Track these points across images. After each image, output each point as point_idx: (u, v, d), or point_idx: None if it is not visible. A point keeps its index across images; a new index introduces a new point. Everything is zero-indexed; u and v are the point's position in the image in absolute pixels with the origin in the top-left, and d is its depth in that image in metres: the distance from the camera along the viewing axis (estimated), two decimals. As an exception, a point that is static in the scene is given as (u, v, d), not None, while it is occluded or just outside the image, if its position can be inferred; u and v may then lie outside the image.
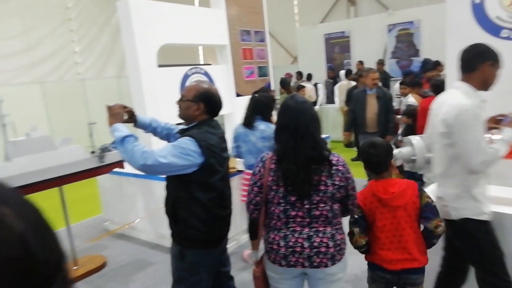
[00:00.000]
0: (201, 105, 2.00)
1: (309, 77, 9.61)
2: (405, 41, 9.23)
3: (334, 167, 1.72)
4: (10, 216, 0.43)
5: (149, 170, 1.83)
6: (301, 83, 8.47)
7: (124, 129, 1.88)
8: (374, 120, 4.77)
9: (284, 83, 6.81)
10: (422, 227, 1.99)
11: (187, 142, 1.87)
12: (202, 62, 14.10)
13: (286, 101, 1.81)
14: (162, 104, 4.04)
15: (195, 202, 1.96)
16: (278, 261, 1.75)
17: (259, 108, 3.27)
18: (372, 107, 4.78)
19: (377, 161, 1.98)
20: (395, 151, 2.28)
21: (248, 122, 3.27)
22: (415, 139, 2.34)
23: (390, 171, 2.03)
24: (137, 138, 1.87)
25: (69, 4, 10.32)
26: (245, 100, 3.55)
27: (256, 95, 3.38)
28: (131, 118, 2.14)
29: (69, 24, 10.27)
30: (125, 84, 10.09)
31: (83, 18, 10.55)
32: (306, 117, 1.73)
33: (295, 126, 1.72)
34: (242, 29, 5.11)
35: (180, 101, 2.04)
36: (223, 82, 4.85)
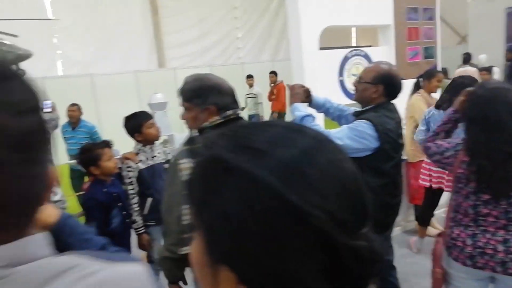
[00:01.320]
0: (380, 88, 1.94)
1: (466, 61, 8.25)
2: None
3: None
4: None
5: None
6: (465, 66, 7.41)
7: (303, 108, 1.98)
8: None
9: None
10: None
11: (363, 126, 1.85)
12: (354, 44, 13.70)
13: (474, 89, 1.62)
14: (321, 87, 4.11)
15: (366, 187, 1.95)
16: (462, 260, 1.61)
17: (459, 90, 3.13)
18: None
19: None
20: None
21: (443, 104, 3.12)
22: None
23: None
24: (315, 118, 1.95)
25: (236, -7, 11.30)
26: (408, 83, 3.36)
27: (457, 77, 3.28)
28: (307, 97, 2.23)
29: (234, 12, 11.26)
30: (279, 66, 10.62)
31: (247, 5, 11.41)
32: (499, 106, 1.51)
33: (484, 118, 1.52)
34: (409, 6, 4.74)
35: (358, 83, 2.03)
36: (384, 64, 4.62)
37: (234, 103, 1.58)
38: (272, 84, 8.71)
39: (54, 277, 0.45)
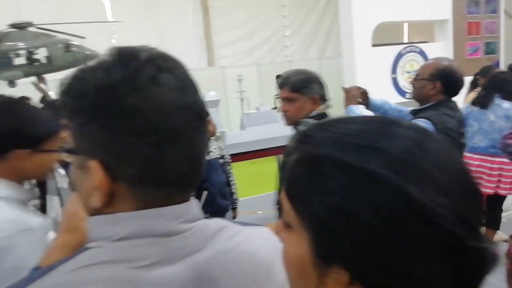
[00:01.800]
0: (438, 84, 1.89)
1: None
2: None
3: None
4: None
5: None
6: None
7: (358, 111, 1.98)
8: None
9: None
10: None
11: (423, 124, 1.83)
12: (406, 40, 13.18)
13: None
14: (373, 85, 4.03)
15: None
16: None
17: (501, 86, 2.98)
18: None
19: None
20: None
21: (484, 102, 3.02)
22: None
23: None
24: None
25: (284, -8, 11.31)
26: (468, 81, 3.22)
27: (498, 72, 3.13)
28: (364, 100, 2.21)
29: (282, 10, 11.27)
30: (326, 64, 10.49)
31: (294, 3, 11.38)
32: None
33: None
34: (470, 0, 4.50)
35: (415, 80, 1.99)
36: (441, 61, 4.44)
37: (327, 95, 1.76)
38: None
39: (216, 233, 0.57)
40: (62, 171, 2.01)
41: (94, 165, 0.49)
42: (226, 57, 10.48)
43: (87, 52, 6.21)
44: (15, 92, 5.35)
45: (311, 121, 1.67)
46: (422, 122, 1.82)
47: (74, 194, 0.73)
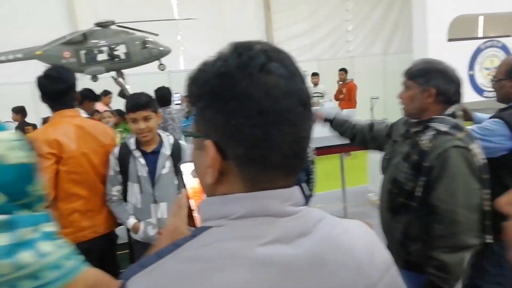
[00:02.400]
0: None
1: None
2: None
3: None
4: None
5: None
6: None
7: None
8: None
9: None
10: None
11: (493, 124, 1.78)
12: (481, 34, 12.21)
13: None
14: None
15: (503, 189, 1.78)
16: None
17: None
18: None
19: None
20: None
21: None
22: None
23: None
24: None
25: (348, -15, 10.99)
26: None
27: None
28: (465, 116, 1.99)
29: (346, 4, 10.97)
30: (391, 60, 10.03)
31: (359, -3, 11.03)
32: None
33: None
34: None
35: (494, 83, 1.90)
36: (526, 56, 4.05)
37: (457, 94, 1.56)
38: (341, 82, 8.11)
39: (319, 220, 0.61)
40: (142, 161, 2.13)
41: (208, 144, 0.55)
42: (287, 53, 10.41)
43: (161, 48, 6.54)
44: (97, 86, 5.78)
45: (449, 120, 1.51)
46: (493, 121, 1.77)
47: (175, 210, 0.77)
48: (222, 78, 0.55)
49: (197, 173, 0.62)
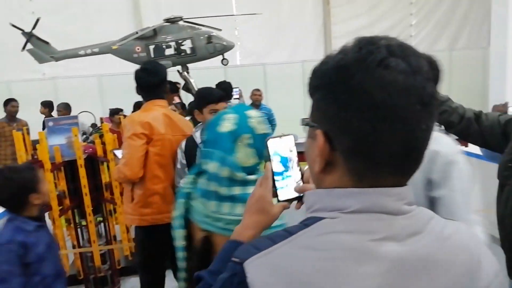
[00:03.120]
0: None
1: None
2: None
3: None
4: None
5: None
6: None
7: None
8: None
9: None
10: None
11: None
12: None
13: None
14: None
15: None
16: None
17: None
18: None
19: None
20: None
21: None
22: None
23: None
24: None
25: (413, -22, 10.41)
26: None
27: None
28: None
29: (411, -3, 10.42)
30: (457, 56, 9.36)
31: (425, -11, 10.41)
32: None
33: None
34: None
35: None
36: None
37: None
38: None
39: (430, 220, 0.60)
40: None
41: (318, 133, 0.58)
42: (344, 48, 10.09)
43: (225, 43, 6.65)
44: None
45: None
46: None
47: (261, 180, 0.84)
48: (339, 70, 0.55)
49: (307, 161, 0.64)
